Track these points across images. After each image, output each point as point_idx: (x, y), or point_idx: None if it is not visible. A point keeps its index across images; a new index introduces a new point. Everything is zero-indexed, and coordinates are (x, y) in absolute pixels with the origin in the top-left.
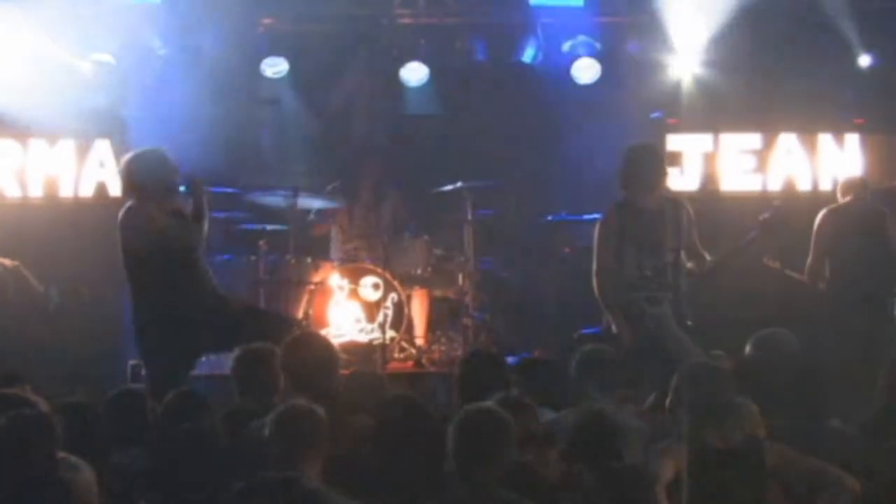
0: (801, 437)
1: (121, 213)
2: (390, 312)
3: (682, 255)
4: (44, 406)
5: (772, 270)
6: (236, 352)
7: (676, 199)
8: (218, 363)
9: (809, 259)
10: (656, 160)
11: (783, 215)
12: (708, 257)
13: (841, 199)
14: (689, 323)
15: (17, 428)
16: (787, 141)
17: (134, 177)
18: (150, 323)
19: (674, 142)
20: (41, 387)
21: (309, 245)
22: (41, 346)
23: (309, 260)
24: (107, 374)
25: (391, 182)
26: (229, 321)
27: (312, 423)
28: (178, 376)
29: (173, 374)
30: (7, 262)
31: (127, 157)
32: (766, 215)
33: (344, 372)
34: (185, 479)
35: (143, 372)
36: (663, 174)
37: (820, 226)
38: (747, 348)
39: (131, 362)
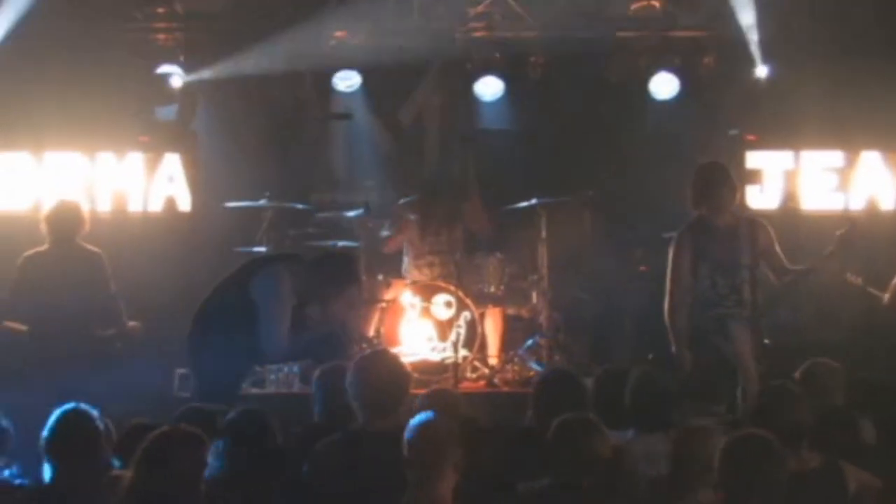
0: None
1: None
2: (463, 331)
3: (762, 272)
4: None
5: (853, 287)
6: (316, 371)
7: (753, 219)
8: (286, 381)
9: None
10: (725, 179)
11: (861, 231)
12: (797, 270)
13: None
14: (766, 342)
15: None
16: (870, 158)
17: None
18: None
19: (753, 159)
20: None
21: (380, 262)
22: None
23: (381, 277)
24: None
25: (464, 198)
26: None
27: (448, 438)
28: (231, 387)
29: (226, 383)
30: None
31: None
32: (843, 231)
33: (417, 391)
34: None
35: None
36: (733, 192)
37: None
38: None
39: (179, 371)
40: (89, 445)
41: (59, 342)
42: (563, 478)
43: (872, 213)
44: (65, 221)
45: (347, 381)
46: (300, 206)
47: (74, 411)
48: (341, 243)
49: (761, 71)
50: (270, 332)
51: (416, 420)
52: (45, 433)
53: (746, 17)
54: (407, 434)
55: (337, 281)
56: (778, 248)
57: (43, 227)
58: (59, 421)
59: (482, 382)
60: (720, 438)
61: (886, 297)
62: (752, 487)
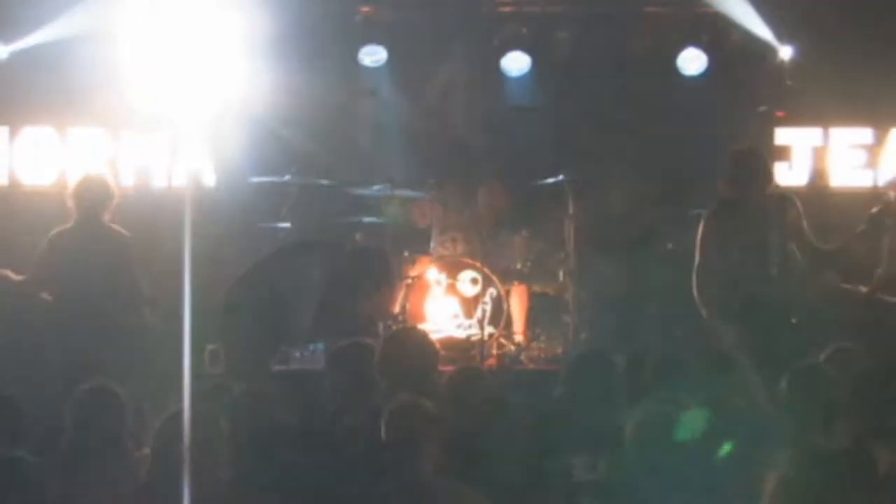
0: None
1: None
2: (489, 308)
3: (791, 250)
4: None
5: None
6: (332, 347)
7: (782, 195)
8: (311, 358)
9: None
10: (761, 167)
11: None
12: (824, 249)
13: None
14: (794, 321)
15: None
16: None
17: None
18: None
19: (782, 135)
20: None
21: (406, 239)
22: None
23: (406, 254)
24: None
25: (488, 174)
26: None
27: (424, 419)
28: (260, 361)
29: (257, 357)
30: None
31: None
32: (876, 209)
33: (444, 368)
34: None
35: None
36: (769, 180)
37: None
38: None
39: (209, 347)
40: (112, 424)
41: (82, 320)
42: None
43: None
44: (92, 197)
45: (377, 358)
46: (325, 182)
47: (99, 389)
48: (366, 219)
49: (785, 52)
50: (297, 318)
51: (392, 404)
52: (70, 409)
53: None
54: (384, 418)
55: (373, 280)
56: (806, 225)
57: (70, 203)
58: (83, 398)
59: (507, 361)
60: None
61: (865, 289)
62: None
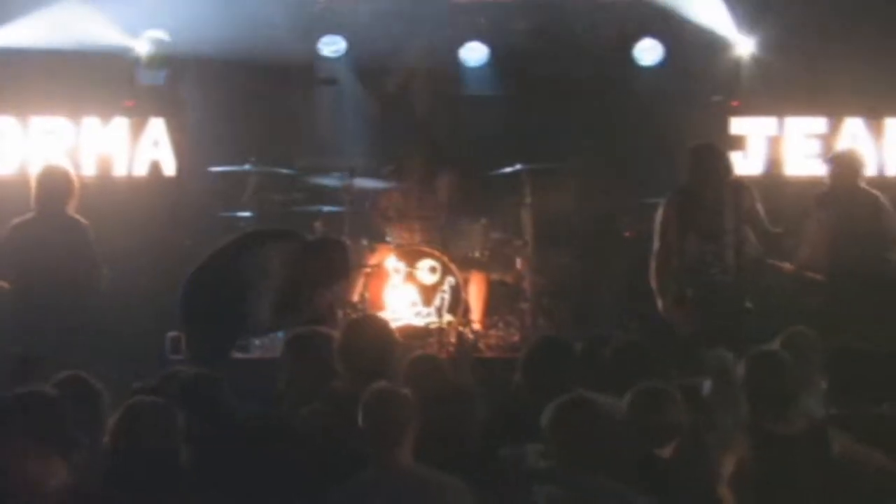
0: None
1: None
2: (447, 296)
3: (747, 234)
4: None
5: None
6: (288, 335)
7: (739, 183)
8: (272, 347)
9: None
10: (720, 160)
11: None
12: (777, 232)
13: None
14: (749, 305)
15: None
16: (853, 125)
17: None
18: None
19: (737, 125)
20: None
21: (365, 227)
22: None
23: (365, 242)
24: (145, 348)
25: (446, 163)
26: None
27: (405, 405)
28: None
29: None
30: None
31: None
32: (820, 193)
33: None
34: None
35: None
36: (727, 173)
37: None
38: (776, 344)
39: (170, 335)
40: (94, 412)
41: (44, 310)
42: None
43: None
44: (53, 189)
45: (336, 346)
46: (285, 171)
47: (77, 377)
48: (326, 208)
49: (744, 43)
50: (256, 307)
51: (370, 391)
52: None
53: None
54: (362, 406)
55: (329, 272)
56: (761, 210)
57: (31, 194)
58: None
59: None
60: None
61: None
62: None
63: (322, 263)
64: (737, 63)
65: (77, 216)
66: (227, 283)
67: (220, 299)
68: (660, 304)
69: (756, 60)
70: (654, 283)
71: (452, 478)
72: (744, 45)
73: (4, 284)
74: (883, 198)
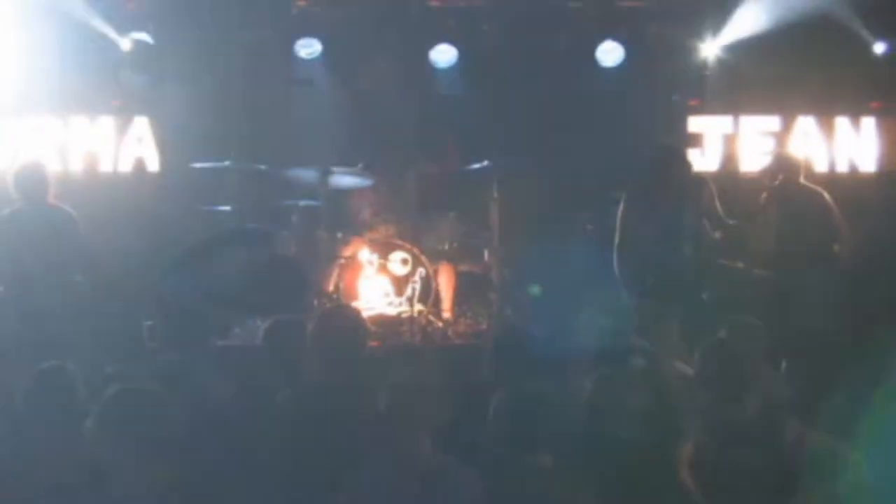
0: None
1: None
2: (418, 287)
3: (705, 227)
4: None
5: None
6: (266, 323)
7: (698, 177)
8: (251, 334)
9: None
10: (680, 162)
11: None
12: (731, 223)
13: None
14: (704, 296)
15: None
16: (805, 124)
17: None
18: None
19: (695, 123)
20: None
21: (339, 220)
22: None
23: (339, 235)
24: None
25: (418, 160)
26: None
27: (425, 395)
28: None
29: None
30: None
31: None
32: (767, 193)
33: (374, 343)
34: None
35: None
36: (686, 173)
37: None
38: (721, 334)
39: (147, 323)
40: (67, 403)
41: (32, 297)
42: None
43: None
44: (33, 182)
45: (308, 334)
46: (263, 167)
47: (57, 369)
48: (302, 202)
49: (709, 47)
50: (231, 298)
51: (395, 377)
52: (25, 386)
53: None
54: (385, 391)
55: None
56: (718, 204)
57: (11, 188)
58: (40, 377)
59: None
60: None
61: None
62: None
63: (277, 288)
64: (695, 64)
65: (61, 204)
66: (202, 276)
67: (194, 290)
68: (624, 292)
69: (714, 62)
70: (617, 273)
71: (467, 467)
72: (702, 48)
73: None
74: (826, 194)
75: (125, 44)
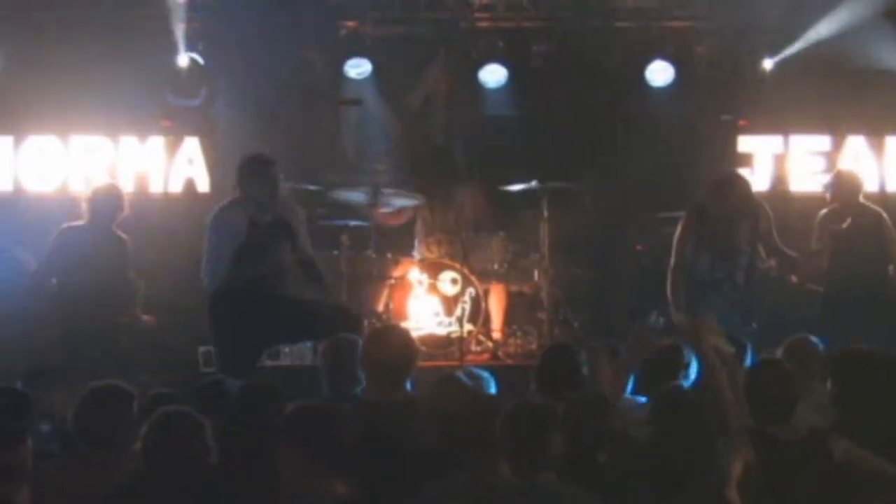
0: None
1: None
2: (468, 306)
3: (759, 253)
4: None
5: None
6: (324, 343)
7: (755, 202)
8: (300, 354)
9: None
10: (743, 190)
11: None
12: (789, 253)
13: None
14: (754, 325)
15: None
16: (856, 143)
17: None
18: (225, 302)
19: (745, 143)
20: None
21: (389, 241)
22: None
23: (389, 255)
24: (180, 362)
25: (466, 180)
26: (304, 313)
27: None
28: (247, 360)
29: (243, 357)
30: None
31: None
32: (839, 227)
33: (424, 364)
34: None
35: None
36: (747, 200)
37: None
38: (779, 353)
39: (202, 349)
40: (120, 423)
41: (82, 316)
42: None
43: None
44: (106, 204)
45: (359, 353)
46: (312, 188)
47: (111, 388)
48: (352, 223)
49: (767, 64)
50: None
51: (467, 396)
52: (78, 404)
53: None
54: (456, 411)
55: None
56: (774, 231)
57: (84, 206)
58: (92, 396)
59: (486, 355)
60: None
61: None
62: None
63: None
64: (745, 84)
65: (120, 232)
66: (252, 302)
67: (244, 317)
68: (674, 315)
69: (763, 81)
70: (670, 296)
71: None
72: (752, 67)
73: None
74: (884, 214)
75: (175, 63)
